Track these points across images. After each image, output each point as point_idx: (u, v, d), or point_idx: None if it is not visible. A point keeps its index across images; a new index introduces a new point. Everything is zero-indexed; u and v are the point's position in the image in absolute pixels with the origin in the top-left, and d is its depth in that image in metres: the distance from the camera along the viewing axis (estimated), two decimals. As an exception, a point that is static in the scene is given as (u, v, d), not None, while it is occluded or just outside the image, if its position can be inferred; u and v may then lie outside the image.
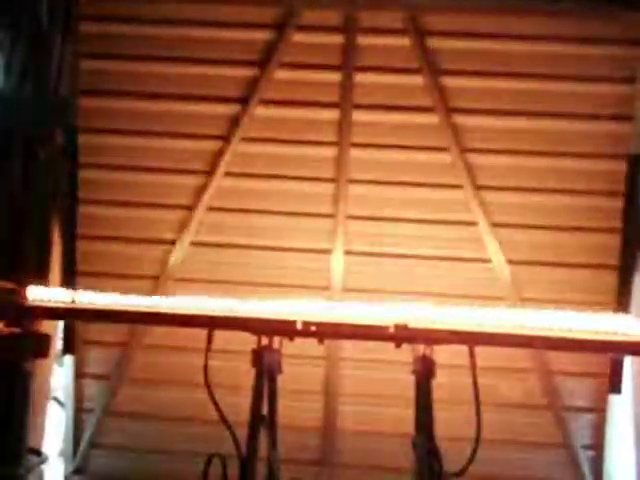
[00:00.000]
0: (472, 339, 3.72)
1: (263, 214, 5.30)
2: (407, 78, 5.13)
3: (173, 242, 5.36)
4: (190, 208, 5.34)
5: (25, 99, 4.71)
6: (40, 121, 4.83)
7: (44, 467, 5.00)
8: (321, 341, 3.91)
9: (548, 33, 5.02)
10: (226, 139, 5.27)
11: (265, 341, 3.79)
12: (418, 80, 5.12)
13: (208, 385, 3.75)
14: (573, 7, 4.95)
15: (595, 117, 5.06)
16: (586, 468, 5.27)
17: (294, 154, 5.25)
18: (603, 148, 5.09)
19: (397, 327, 3.69)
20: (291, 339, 3.82)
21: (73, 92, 5.19)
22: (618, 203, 5.07)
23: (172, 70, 5.21)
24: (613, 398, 5.14)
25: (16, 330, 4.02)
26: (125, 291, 4.08)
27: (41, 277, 4.73)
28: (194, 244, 5.37)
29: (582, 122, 5.08)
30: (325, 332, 3.81)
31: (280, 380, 3.90)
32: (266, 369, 3.77)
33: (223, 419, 3.71)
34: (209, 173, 5.31)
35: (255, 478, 3.69)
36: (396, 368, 4.46)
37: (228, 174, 5.32)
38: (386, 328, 3.71)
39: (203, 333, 3.86)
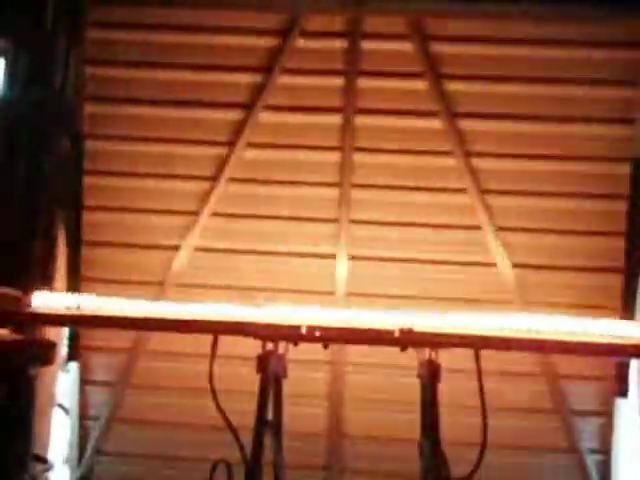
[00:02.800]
0: (477, 343, 3.71)
1: (267, 219, 5.30)
2: (410, 83, 5.14)
3: (177, 248, 5.36)
4: (195, 214, 5.35)
5: (30, 104, 4.71)
6: (45, 126, 4.84)
7: (49, 474, 4.99)
8: (326, 346, 3.90)
9: (551, 37, 5.02)
10: (230, 145, 5.27)
11: (270, 346, 3.78)
12: (421, 85, 5.13)
13: (213, 391, 3.74)
14: (575, 11, 4.95)
15: (598, 120, 5.06)
16: (594, 472, 5.24)
17: (298, 159, 5.25)
18: (607, 151, 5.09)
19: (402, 331, 3.69)
20: (296, 344, 3.81)
21: (78, 98, 5.22)
22: (622, 206, 5.06)
23: (177, 76, 5.22)
24: (620, 401, 5.11)
25: (21, 337, 4.02)
26: (130, 297, 4.08)
27: (46, 284, 4.73)
28: (198, 250, 5.37)
29: (585, 126, 5.08)
30: (330, 337, 3.82)
31: (285, 385, 3.89)
32: (271, 374, 3.77)
33: (228, 425, 3.70)
34: (213, 179, 5.32)
35: (260, 484, 3.67)
36: (401, 372, 4.45)
37: (232, 180, 5.32)
38: (391, 332, 3.70)
39: (208, 339, 3.86)
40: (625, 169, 5.05)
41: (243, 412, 3.70)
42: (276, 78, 5.18)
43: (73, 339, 5.41)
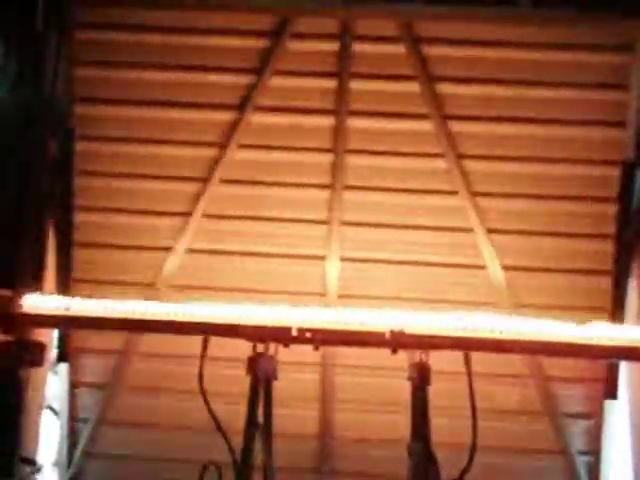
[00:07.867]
0: (468, 345, 3.73)
1: (259, 221, 5.30)
2: (402, 85, 5.15)
3: (169, 249, 5.35)
4: (186, 215, 5.34)
5: (20, 105, 4.70)
6: (35, 127, 4.82)
7: (38, 477, 4.96)
8: (316, 348, 3.91)
9: (542, 40, 5.05)
10: (222, 146, 5.27)
11: (260, 348, 3.78)
12: (413, 87, 5.14)
13: (203, 392, 3.74)
14: (566, 15, 4.97)
15: (589, 123, 5.09)
16: (583, 474, 5.27)
17: (290, 161, 5.25)
18: (597, 154, 5.11)
19: (393, 333, 3.70)
20: (286, 346, 3.81)
21: (68, 99, 5.20)
22: (612, 209, 5.09)
23: (168, 77, 5.21)
24: (609, 403, 5.14)
25: (10, 338, 4.00)
26: (121, 298, 4.06)
27: (36, 285, 4.71)
28: (190, 251, 5.36)
29: (576, 128, 5.10)
30: (320, 338, 3.82)
31: (275, 387, 3.89)
32: (261, 376, 3.77)
33: (218, 426, 3.70)
34: (205, 180, 5.31)
35: (251, 486, 3.67)
36: (392, 374, 4.46)
37: (224, 181, 5.32)
38: (382, 334, 3.72)
39: (198, 340, 3.86)
40: (615, 172, 5.07)
41: (233, 414, 3.70)
42: (267, 80, 5.18)
43: (63, 340, 5.38)
